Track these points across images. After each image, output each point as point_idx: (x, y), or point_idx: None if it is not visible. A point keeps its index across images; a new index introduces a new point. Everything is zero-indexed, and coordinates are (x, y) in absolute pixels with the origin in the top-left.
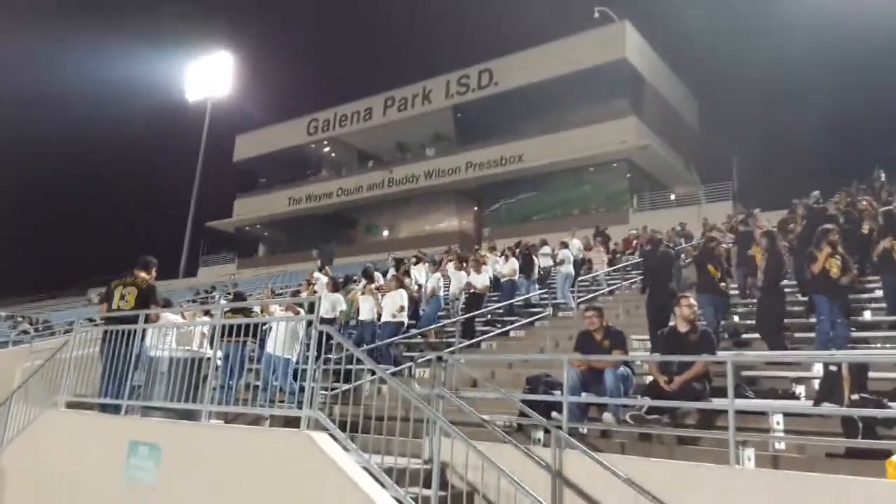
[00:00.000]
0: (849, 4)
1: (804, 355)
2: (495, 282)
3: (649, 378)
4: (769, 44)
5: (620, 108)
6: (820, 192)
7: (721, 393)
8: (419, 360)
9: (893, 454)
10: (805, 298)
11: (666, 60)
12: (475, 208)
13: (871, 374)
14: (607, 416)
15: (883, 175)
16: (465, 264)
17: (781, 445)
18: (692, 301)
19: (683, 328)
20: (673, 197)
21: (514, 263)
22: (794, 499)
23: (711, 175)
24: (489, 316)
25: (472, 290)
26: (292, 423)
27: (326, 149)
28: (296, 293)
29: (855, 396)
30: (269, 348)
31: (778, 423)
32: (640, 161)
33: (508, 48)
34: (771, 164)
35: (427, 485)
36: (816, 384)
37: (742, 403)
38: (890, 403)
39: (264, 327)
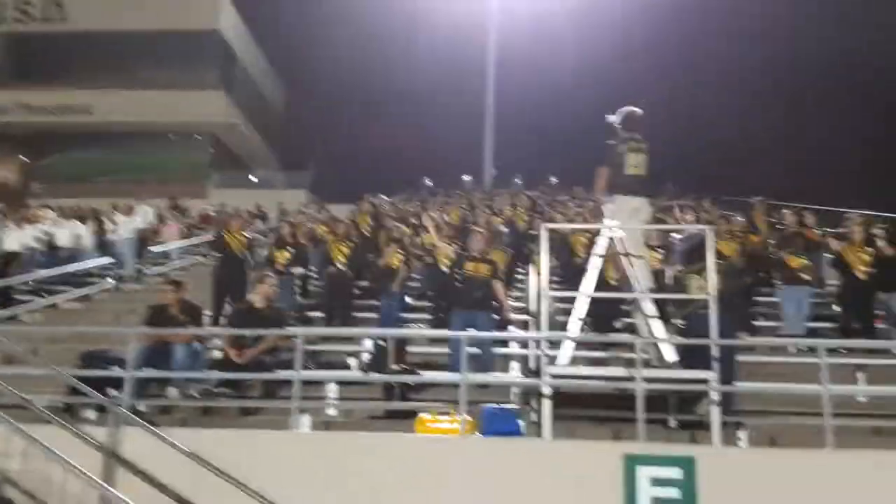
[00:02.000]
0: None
1: (358, 332)
2: (48, 245)
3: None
4: (360, 49)
5: (210, 81)
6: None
7: (284, 367)
8: None
9: (419, 413)
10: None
11: (260, 43)
12: (24, 158)
13: (411, 349)
14: (172, 391)
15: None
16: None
17: (334, 412)
18: (274, 280)
19: (260, 304)
20: (253, 178)
21: (77, 227)
22: (338, 454)
23: (291, 163)
24: (31, 283)
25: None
26: None
27: None
28: None
29: (396, 367)
30: None
31: (332, 392)
32: (225, 137)
33: None
34: (346, 161)
35: None
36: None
37: (307, 374)
38: (422, 372)
39: None
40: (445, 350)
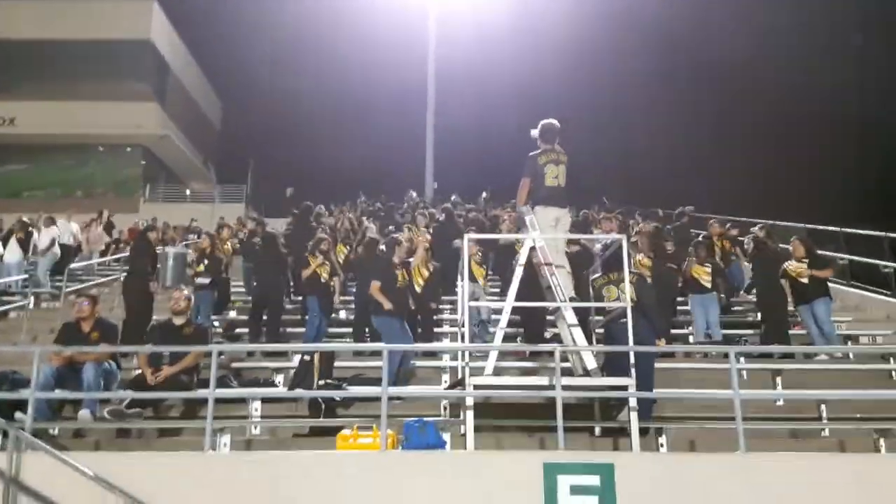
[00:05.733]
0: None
1: (284, 347)
2: None
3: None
4: (299, 63)
5: (141, 92)
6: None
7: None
8: None
9: (342, 429)
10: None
11: (195, 56)
12: None
13: (339, 363)
14: (84, 413)
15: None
16: None
17: (257, 431)
18: (186, 294)
19: (178, 321)
20: (188, 192)
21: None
22: (255, 474)
23: (228, 176)
24: None
25: None
26: None
27: None
28: None
29: (321, 382)
30: None
31: (256, 410)
32: (158, 150)
33: None
34: (285, 175)
35: None
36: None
37: (221, 392)
38: (349, 387)
39: None
40: (377, 363)
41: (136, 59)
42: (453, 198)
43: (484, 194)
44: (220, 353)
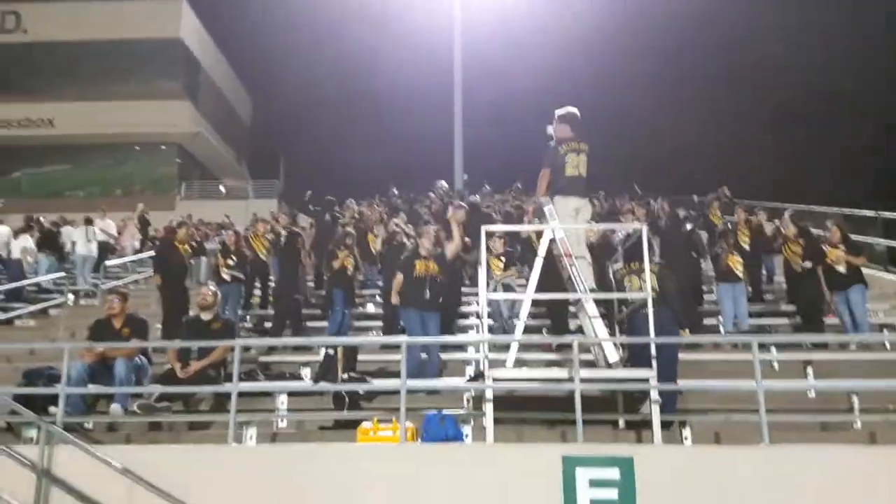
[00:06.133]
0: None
1: (308, 341)
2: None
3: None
4: (327, 58)
5: (174, 90)
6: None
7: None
8: None
9: (363, 422)
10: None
11: (224, 52)
12: None
13: (365, 357)
14: (115, 407)
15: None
16: None
17: (284, 424)
18: (213, 289)
19: (206, 316)
20: (223, 188)
21: (25, 240)
22: (278, 466)
23: (260, 172)
24: None
25: None
26: None
27: None
28: None
29: (345, 375)
30: None
31: (283, 403)
32: (192, 148)
33: None
34: (317, 170)
35: None
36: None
37: (245, 386)
38: (373, 380)
39: None
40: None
41: (168, 58)
42: (484, 188)
43: (517, 185)
44: (249, 348)
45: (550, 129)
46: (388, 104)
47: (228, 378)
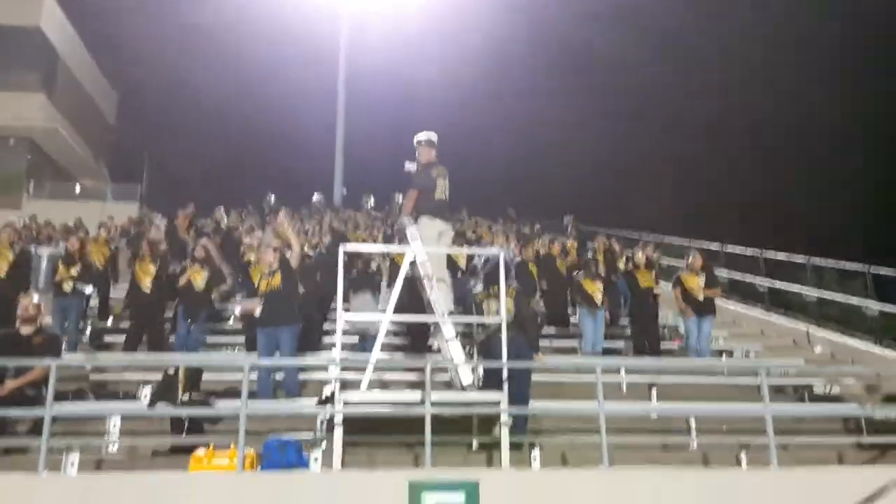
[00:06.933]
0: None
1: (158, 357)
2: None
3: None
4: (205, 58)
5: (27, 81)
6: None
7: (66, 398)
8: None
9: (197, 449)
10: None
11: (88, 47)
12: None
13: (210, 376)
14: None
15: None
16: None
17: (114, 449)
18: (35, 301)
19: (26, 330)
20: (78, 189)
21: None
22: (103, 499)
23: (123, 174)
24: None
25: None
26: None
27: None
28: None
29: (185, 397)
30: None
31: (115, 426)
32: (45, 144)
33: None
34: (184, 175)
35: None
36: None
37: (64, 409)
38: (220, 402)
39: None
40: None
41: (24, 47)
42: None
43: (510, 210)
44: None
45: (409, 166)
46: (267, 109)
47: (60, 397)
